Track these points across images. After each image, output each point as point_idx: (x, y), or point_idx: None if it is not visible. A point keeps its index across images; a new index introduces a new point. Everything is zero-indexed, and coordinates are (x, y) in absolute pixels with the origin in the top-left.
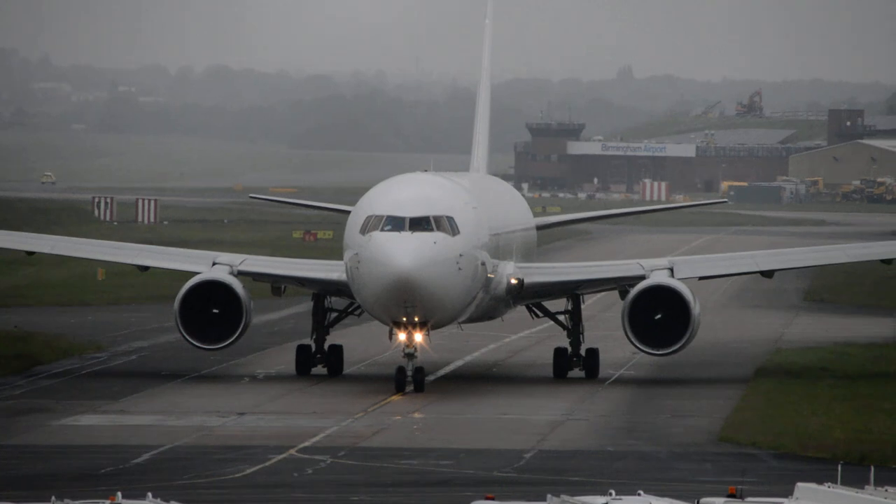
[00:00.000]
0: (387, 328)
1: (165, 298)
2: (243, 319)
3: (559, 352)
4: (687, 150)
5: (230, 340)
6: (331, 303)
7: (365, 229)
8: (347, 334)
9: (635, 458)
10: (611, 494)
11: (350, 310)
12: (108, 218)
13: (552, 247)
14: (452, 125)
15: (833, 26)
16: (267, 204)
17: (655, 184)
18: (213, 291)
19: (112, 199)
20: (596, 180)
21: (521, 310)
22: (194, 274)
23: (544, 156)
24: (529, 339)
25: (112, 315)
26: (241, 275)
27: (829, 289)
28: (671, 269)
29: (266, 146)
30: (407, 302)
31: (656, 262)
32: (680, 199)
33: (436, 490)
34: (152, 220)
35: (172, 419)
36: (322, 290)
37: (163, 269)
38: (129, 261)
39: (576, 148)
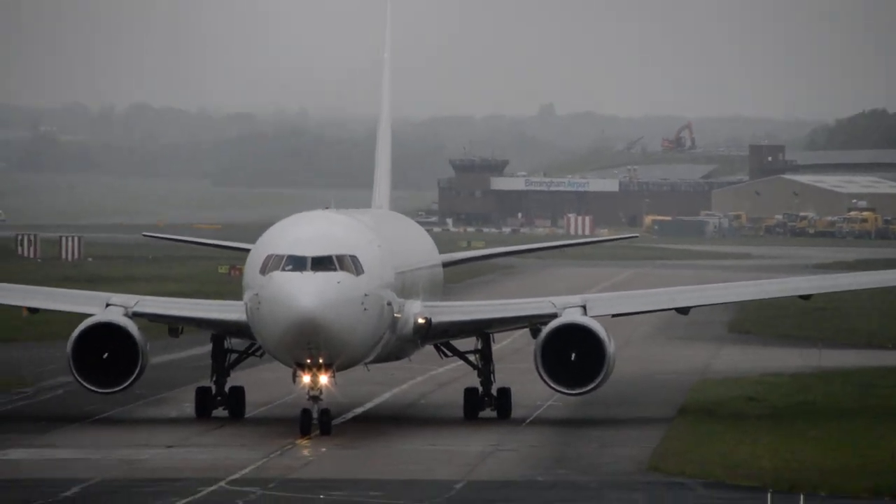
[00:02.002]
0: (290, 369)
1: None
2: (139, 361)
3: (470, 392)
4: (610, 185)
5: (126, 384)
6: (231, 344)
7: (265, 269)
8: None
9: (565, 488)
10: None
11: (251, 350)
12: (31, 255)
13: (476, 281)
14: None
15: (754, 62)
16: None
17: (580, 218)
18: (107, 334)
19: (36, 236)
20: (520, 215)
21: (428, 349)
22: (87, 316)
23: (468, 191)
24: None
25: (38, 351)
26: (136, 316)
27: (753, 320)
28: (584, 307)
29: (189, 183)
30: (310, 344)
31: (569, 300)
32: (604, 234)
33: None
34: (76, 257)
35: (101, 452)
36: (221, 331)
37: (53, 310)
38: (16, 303)
39: (499, 184)
